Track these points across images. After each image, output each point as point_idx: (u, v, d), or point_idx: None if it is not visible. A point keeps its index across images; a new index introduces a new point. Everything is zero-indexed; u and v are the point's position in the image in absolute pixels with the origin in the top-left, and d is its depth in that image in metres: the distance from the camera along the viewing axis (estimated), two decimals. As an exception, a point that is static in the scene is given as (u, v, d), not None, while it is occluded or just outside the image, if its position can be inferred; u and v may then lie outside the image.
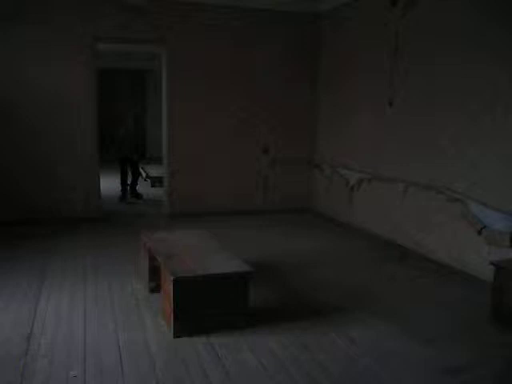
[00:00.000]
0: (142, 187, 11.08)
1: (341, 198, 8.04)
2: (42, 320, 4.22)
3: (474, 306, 4.63)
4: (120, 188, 9.73)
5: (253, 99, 8.40)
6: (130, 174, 9.83)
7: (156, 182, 11.03)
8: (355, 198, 7.70)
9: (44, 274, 5.31)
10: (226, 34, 8.10)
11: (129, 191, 9.80)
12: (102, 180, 8.08)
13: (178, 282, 3.89)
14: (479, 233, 5.31)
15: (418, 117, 6.27)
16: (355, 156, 7.68)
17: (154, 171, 11.74)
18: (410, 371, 3.52)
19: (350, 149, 7.80)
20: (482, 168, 5.27)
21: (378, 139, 7.10)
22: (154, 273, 4.76)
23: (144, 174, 11.83)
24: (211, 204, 8.30)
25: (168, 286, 4.02)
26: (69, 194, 7.65)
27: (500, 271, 4.23)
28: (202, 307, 4.02)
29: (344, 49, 7.92)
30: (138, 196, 9.88)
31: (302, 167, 8.88)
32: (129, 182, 9.81)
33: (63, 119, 7.51)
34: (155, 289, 4.76)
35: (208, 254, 4.51)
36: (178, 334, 3.94)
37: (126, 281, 5.17)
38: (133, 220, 7.99)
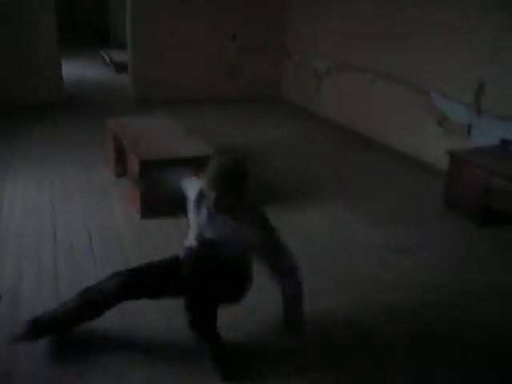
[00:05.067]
0: (106, 72, 10.75)
1: (309, 87, 8.02)
2: (10, 204, 4.28)
3: (428, 192, 4.87)
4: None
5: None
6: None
7: (120, 67, 10.68)
8: (323, 88, 7.70)
9: (9, 160, 5.29)
10: None
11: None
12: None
13: (144, 165, 3.96)
14: (439, 123, 5.46)
15: (388, 8, 6.14)
16: (325, 44, 7.56)
17: (119, 56, 11.33)
18: (363, 250, 3.79)
19: (320, 37, 7.65)
20: (446, 60, 5.30)
21: (348, 28, 6.97)
22: (121, 158, 4.81)
23: (107, 59, 11.43)
24: (177, 91, 8.18)
25: (134, 170, 4.09)
26: (31, 78, 7.40)
27: (454, 160, 4.43)
28: (168, 190, 4.12)
29: None
30: None
31: (271, 55, 8.71)
32: None
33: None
34: (122, 173, 4.83)
35: (173, 138, 4.56)
36: (145, 215, 4.08)
37: (93, 166, 5.21)
38: (97, 106, 7.84)
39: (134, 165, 4.11)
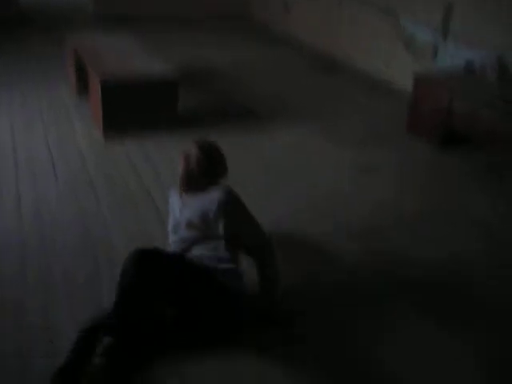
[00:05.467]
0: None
1: (277, 7, 7.78)
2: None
3: (394, 115, 4.89)
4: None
5: None
6: None
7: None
8: (292, 8, 7.48)
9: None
10: None
11: None
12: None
13: (106, 85, 3.86)
14: (407, 46, 5.42)
15: None
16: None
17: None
18: (328, 169, 3.84)
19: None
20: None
21: None
22: (82, 77, 4.65)
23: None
24: (140, 8, 7.83)
25: (96, 89, 3.98)
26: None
27: (418, 81, 4.43)
28: (132, 111, 4.05)
29: None
30: None
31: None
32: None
33: None
34: (83, 93, 4.69)
35: (136, 57, 4.43)
36: (107, 136, 4.02)
37: (53, 86, 5.04)
38: (57, 22, 7.46)
39: (95, 84, 3.99)
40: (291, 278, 2.61)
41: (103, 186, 3.41)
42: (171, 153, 3.89)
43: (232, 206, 2.33)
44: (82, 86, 4.68)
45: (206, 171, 2.44)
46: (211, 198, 2.33)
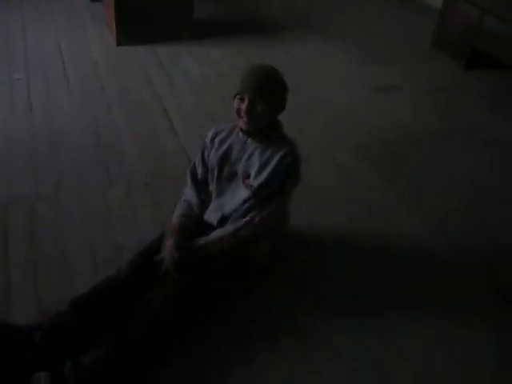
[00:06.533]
0: None
1: None
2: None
3: (420, 33, 4.62)
4: None
5: None
6: None
7: None
8: None
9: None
10: None
11: None
12: None
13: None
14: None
15: None
16: None
17: None
18: (344, 86, 3.70)
19: None
20: None
21: None
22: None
23: None
24: None
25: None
26: None
27: (449, -4, 4.18)
28: (147, 16, 3.90)
29: None
30: None
31: None
32: None
33: None
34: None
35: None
36: (121, 42, 3.91)
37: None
38: None
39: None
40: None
41: (115, 92, 3.34)
42: (185, 62, 3.78)
43: (293, 173, 1.93)
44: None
45: (267, 107, 1.86)
46: (277, 158, 1.87)
